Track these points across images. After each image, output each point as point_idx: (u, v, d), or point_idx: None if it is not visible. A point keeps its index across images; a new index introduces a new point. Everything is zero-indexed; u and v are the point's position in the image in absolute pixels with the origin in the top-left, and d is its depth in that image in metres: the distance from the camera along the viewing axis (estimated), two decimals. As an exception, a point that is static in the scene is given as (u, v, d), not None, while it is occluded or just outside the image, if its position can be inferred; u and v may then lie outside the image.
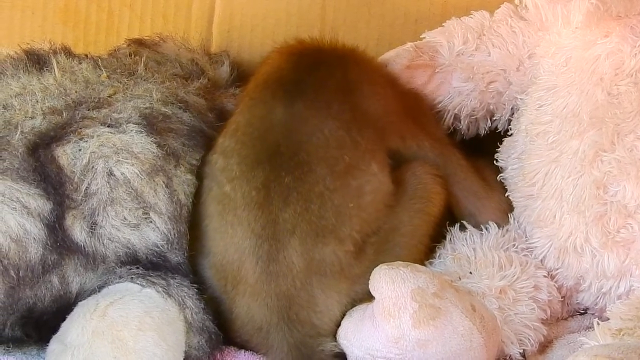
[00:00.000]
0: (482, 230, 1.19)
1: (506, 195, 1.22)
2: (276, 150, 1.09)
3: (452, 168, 1.21)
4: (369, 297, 1.04)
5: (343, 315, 1.08)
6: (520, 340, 1.10)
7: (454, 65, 1.28)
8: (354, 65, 1.20)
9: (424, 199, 1.15)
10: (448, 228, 1.19)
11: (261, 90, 1.15)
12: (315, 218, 1.07)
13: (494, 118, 1.30)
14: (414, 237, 1.14)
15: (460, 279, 1.11)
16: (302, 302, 1.06)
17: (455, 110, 1.29)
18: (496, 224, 1.20)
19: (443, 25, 1.30)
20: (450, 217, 1.21)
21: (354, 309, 1.07)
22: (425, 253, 1.16)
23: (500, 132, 1.30)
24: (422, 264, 1.13)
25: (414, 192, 1.15)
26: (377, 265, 1.04)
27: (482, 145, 1.30)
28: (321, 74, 1.15)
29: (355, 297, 1.08)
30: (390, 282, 1.01)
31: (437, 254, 1.17)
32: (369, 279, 1.04)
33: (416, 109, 1.24)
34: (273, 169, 1.08)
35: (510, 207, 1.21)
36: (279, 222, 1.06)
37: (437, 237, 1.18)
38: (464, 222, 1.20)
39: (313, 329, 1.07)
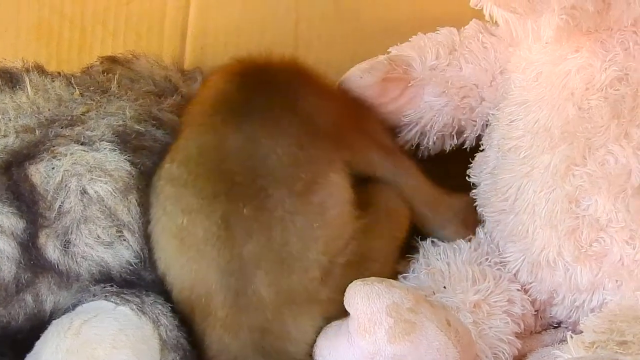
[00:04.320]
0: (450, 243, 1.20)
1: (462, 196, 1.23)
2: (232, 181, 1.05)
3: (404, 176, 1.20)
4: (343, 314, 1.04)
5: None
6: (495, 354, 1.10)
7: (427, 79, 1.27)
8: (298, 79, 1.16)
9: (392, 223, 1.15)
10: (420, 243, 1.20)
11: (209, 115, 1.11)
12: (278, 246, 1.04)
13: (463, 135, 1.30)
14: (386, 264, 1.14)
15: (434, 293, 1.11)
16: (276, 332, 1.05)
17: (427, 126, 1.29)
18: (452, 224, 1.21)
19: (410, 40, 1.30)
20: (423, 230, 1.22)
21: (328, 325, 1.07)
22: (393, 270, 1.16)
23: (466, 149, 1.30)
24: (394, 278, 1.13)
25: (381, 216, 1.14)
26: (347, 286, 1.03)
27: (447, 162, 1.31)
28: (266, 91, 1.12)
29: (330, 317, 1.07)
30: (365, 298, 1.01)
31: (411, 269, 1.18)
32: (341, 298, 1.03)
33: (363, 120, 1.22)
34: (230, 201, 1.04)
35: (463, 208, 1.22)
36: (243, 255, 1.04)
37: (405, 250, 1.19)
38: (434, 239, 1.20)
39: (289, 356, 1.05)
